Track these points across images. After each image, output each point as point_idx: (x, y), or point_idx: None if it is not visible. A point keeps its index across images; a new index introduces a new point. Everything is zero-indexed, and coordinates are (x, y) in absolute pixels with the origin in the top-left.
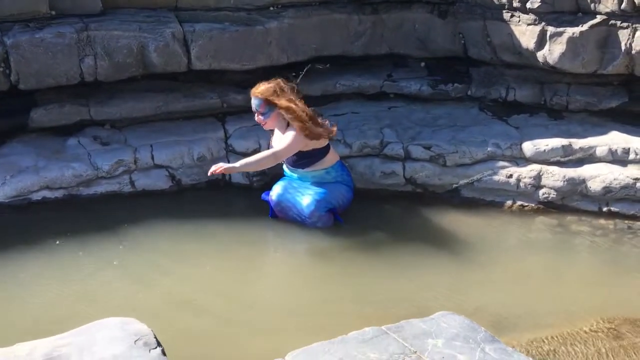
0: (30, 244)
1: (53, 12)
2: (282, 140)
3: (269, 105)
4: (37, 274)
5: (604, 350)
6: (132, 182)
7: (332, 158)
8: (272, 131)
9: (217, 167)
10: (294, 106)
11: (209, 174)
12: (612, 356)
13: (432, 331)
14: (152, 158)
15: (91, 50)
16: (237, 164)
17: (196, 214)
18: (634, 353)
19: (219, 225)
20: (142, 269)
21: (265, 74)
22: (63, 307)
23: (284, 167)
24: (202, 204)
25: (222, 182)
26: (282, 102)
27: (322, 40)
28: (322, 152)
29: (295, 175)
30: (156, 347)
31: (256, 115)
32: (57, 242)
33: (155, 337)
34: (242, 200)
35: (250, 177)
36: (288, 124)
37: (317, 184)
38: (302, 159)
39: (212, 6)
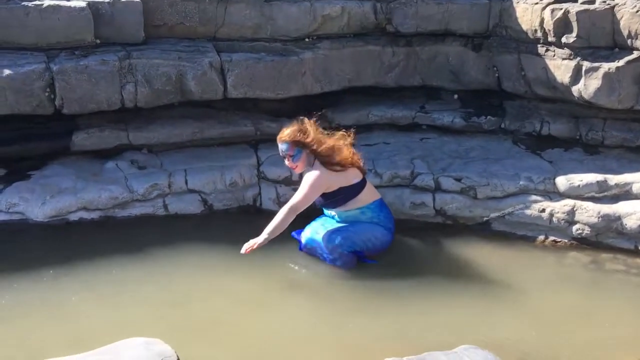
0: (66, 262)
1: (98, 41)
2: (299, 189)
3: (297, 146)
4: (68, 293)
5: None
6: (165, 206)
7: (367, 197)
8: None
9: (250, 246)
10: (322, 137)
11: (242, 252)
12: None
13: None
14: (186, 183)
15: (132, 78)
16: (266, 234)
17: (226, 239)
18: None
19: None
20: (171, 291)
21: (298, 103)
22: (91, 325)
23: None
24: (232, 229)
25: (253, 209)
26: (309, 138)
27: (356, 71)
28: (354, 191)
29: (331, 213)
30: None
31: (286, 160)
32: (92, 262)
33: (179, 359)
34: None
35: (280, 204)
36: (313, 164)
37: (351, 223)
38: (329, 199)
39: (249, 37)
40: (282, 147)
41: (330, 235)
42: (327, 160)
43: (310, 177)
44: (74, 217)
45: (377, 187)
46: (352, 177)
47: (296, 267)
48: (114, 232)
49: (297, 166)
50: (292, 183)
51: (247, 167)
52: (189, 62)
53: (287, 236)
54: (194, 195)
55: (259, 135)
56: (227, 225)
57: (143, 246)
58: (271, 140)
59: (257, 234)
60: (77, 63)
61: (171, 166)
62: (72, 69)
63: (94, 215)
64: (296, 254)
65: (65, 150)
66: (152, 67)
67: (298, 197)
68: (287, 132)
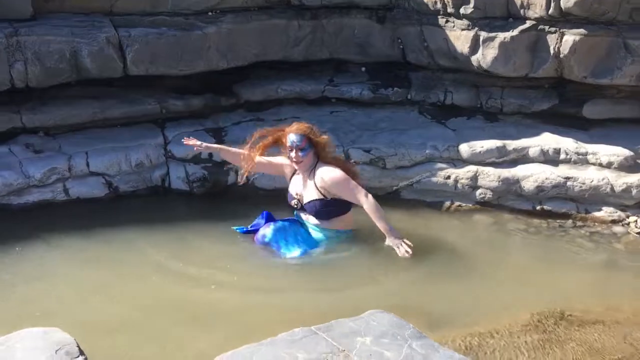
0: None
1: None
2: (347, 190)
3: (309, 142)
4: None
5: (528, 343)
6: (66, 190)
7: (349, 221)
8: (292, 176)
9: (407, 247)
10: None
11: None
12: (534, 349)
13: (361, 330)
14: (88, 165)
15: (21, 56)
16: (388, 227)
17: (133, 221)
18: (555, 345)
19: (156, 232)
20: (74, 278)
21: (205, 79)
22: None
23: (297, 213)
24: (140, 211)
25: (162, 189)
26: (322, 138)
27: (262, 46)
28: (345, 208)
29: (306, 224)
30: (78, 356)
31: (294, 151)
32: None
33: (78, 346)
34: (182, 207)
35: (190, 183)
36: (315, 167)
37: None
38: (327, 206)
39: (148, 11)
40: (294, 138)
41: (297, 254)
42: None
43: (337, 173)
44: None
45: None
46: None
47: (204, 244)
48: (9, 221)
49: (302, 162)
50: (201, 161)
51: (153, 146)
52: (83, 38)
53: (199, 213)
54: (97, 178)
55: (165, 113)
56: (135, 207)
57: (42, 233)
58: (178, 118)
59: (166, 216)
60: None
61: (71, 149)
62: None
63: None
64: (206, 229)
65: None
66: (42, 44)
67: (360, 191)
68: (299, 126)
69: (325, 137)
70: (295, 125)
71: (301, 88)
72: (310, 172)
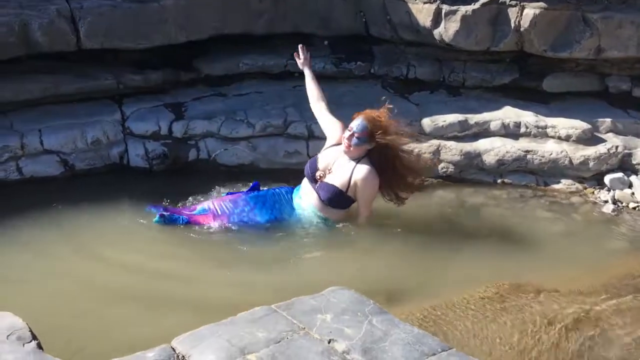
0: None
1: None
2: (366, 199)
3: (369, 136)
4: None
5: (486, 313)
6: (19, 169)
7: (342, 217)
8: (330, 147)
9: None
10: (404, 147)
11: None
12: (492, 318)
13: (322, 307)
14: (42, 143)
15: None
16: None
17: (91, 201)
18: (512, 314)
19: (115, 211)
20: (28, 260)
21: (164, 53)
22: None
23: (299, 192)
24: (98, 190)
25: (120, 167)
26: (385, 141)
27: (223, 18)
28: (349, 204)
29: (298, 198)
30: (31, 341)
31: (349, 135)
32: None
33: (31, 331)
34: (141, 184)
35: (149, 160)
36: (360, 159)
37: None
38: (341, 199)
39: None
40: (359, 123)
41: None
42: (401, 177)
43: (372, 183)
44: None
45: (249, 137)
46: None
47: (159, 230)
48: None
49: (352, 149)
50: (161, 137)
51: (110, 123)
52: (33, 11)
53: (159, 192)
54: (52, 156)
55: (122, 88)
56: (92, 186)
57: None
58: (136, 93)
59: (125, 194)
60: None
61: (23, 126)
62: None
63: None
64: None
65: None
66: None
67: (369, 207)
68: (369, 116)
69: (386, 138)
70: (364, 113)
71: (263, 62)
72: (354, 160)
